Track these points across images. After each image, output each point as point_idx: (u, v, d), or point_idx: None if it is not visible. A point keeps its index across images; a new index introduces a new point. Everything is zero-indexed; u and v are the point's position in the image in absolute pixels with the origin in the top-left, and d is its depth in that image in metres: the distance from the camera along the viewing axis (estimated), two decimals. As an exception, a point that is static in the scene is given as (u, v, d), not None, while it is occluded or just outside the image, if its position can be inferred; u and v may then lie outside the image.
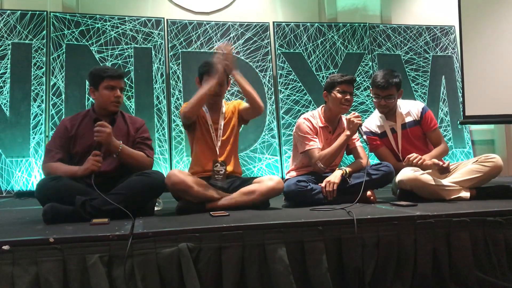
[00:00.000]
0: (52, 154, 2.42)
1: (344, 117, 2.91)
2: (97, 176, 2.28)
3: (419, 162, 2.68)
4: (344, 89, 2.78)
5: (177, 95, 4.55)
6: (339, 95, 2.78)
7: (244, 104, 2.76)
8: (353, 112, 2.76)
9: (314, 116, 2.89)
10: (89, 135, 2.44)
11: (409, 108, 2.94)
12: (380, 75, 2.84)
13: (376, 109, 3.01)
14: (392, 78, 2.82)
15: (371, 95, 2.94)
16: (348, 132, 2.70)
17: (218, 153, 2.64)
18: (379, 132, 2.95)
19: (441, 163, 2.69)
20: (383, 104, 2.86)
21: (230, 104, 2.82)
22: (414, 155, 2.70)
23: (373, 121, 3.00)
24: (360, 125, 2.68)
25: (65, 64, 4.37)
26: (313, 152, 2.75)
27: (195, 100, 2.53)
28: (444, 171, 2.68)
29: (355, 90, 4.85)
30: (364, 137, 2.68)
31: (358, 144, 2.88)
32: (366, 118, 4.79)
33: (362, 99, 4.90)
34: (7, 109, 4.17)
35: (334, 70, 4.87)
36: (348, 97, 2.78)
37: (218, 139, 2.67)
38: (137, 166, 2.40)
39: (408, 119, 2.92)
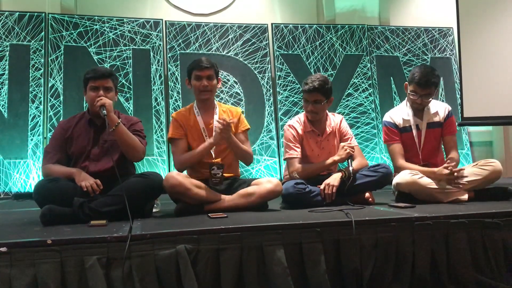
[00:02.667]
0: (50, 156, 2.45)
1: (332, 117, 2.91)
2: (94, 177, 2.31)
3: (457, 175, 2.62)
4: (306, 98, 2.76)
5: (175, 97, 4.55)
6: (304, 104, 2.78)
7: (244, 125, 2.76)
8: (349, 142, 2.76)
9: (300, 121, 2.87)
10: (85, 136, 2.48)
11: (437, 108, 2.92)
12: (421, 72, 2.75)
13: (405, 101, 2.96)
14: (434, 77, 2.76)
15: (408, 91, 2.85)
16: (336, 158, 2.71)
17: (214, 156, 2.62)
18: (402, 125, 2.90)
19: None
20: (419, 102, 2.81)
21: (230, 111, 2.78)
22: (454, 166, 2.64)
23: (400, 113, 2.93)
24: (351, 155, 2.67)
25: (63, 66, 4.36)
26: (293, 162, 2.75)
27: (190, 161, 2.59)
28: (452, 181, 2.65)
29: (353, 91, 4.89)
30: (350, 168, 2.63)
31: (355, 144, 2.86)
32: (363, 119, 4.85)
33: (361, 101, 4.90)
34: (5, 111, 4.16)
35: (332, 72, 4.88)
36: (309, 107, 2.75)
37: None
38: (130, 147, 2.41)
39: (434, 119, 2.89)
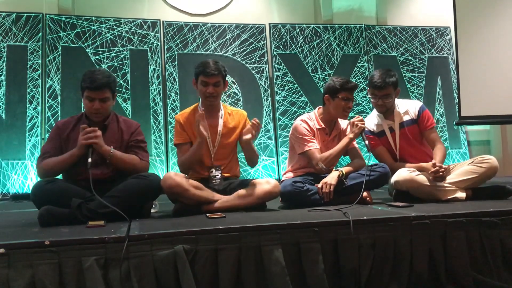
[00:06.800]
0: (47, 156, 2.41)
1: (340, 120, 2.92)
2: (93, 183, 2.28)
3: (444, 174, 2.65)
4: (348, 97, 2.78)
5: (173, 97, 4.55)
6: (343, 102, 2.77)
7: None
8: (357, 116, 2.77)
9: (310, 118, 2.89)
10: None
11: (407, 107, 2.95)
12: (377, 75, 2.84)
13: (375, 109, 3.02)
14: (389, 77, 2.82)
15: (369, 95, 2.94)
16: (351, 135, 2.71)
17: (213, 159, 2.63)
18: (376, 131, 2.95)
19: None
20: (381, 104, 2.86)
21: (236, 114, 2.78)
22: (443, 167, 2.65)
23: (371, 120, 3.00)
24: (364, 129, 2.69)
25: (61, 66, 4.35)
26: (313, 153, 2.74)
27: (189, 160, 2.57)
28: (439, 179, 2.67)
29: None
30: (366, 142, 2.67)
31: (355, 144, 2.87)
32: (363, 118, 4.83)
33: (359, 100, 4.91)
34: (2, 112, 4.16)
35: (330, 72, 4.88)
36: (350, 104, 2.79)
37: (214, 145, 2.65)
38: (130, 170, 2.37)
39: (406, 118, 2.92)
